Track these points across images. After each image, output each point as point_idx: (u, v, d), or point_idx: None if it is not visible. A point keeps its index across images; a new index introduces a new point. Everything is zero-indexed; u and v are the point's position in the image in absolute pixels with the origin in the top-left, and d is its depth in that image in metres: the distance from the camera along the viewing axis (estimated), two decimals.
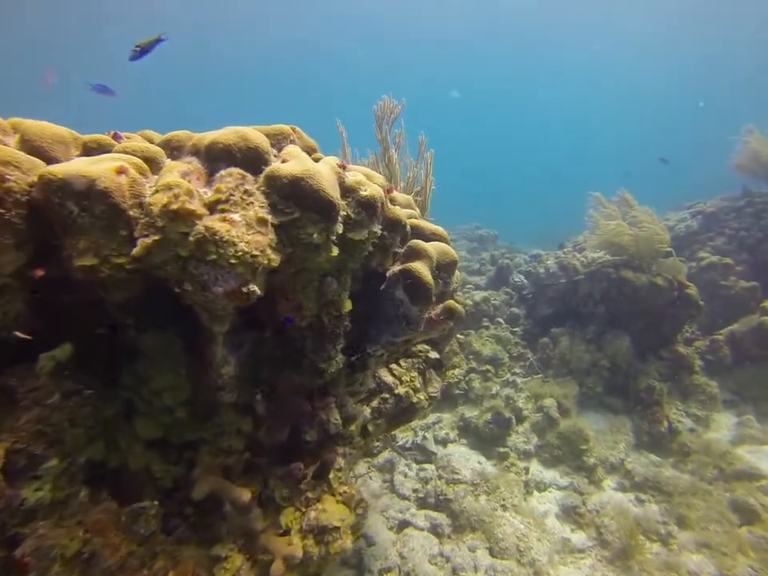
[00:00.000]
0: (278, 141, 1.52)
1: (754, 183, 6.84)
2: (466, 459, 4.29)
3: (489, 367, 5.16)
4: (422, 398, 2.88)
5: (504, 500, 3.80)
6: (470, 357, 5.30)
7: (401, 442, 4.42)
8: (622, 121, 48.65)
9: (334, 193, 1.34)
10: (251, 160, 1.30)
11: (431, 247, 1.83)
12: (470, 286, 7.20)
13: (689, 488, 3.82)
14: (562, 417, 4.63)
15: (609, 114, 49.84)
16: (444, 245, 1.89)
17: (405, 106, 3.01)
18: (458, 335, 5.57)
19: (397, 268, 1.77)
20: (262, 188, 1.26)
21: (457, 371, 5.07)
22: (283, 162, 1.34)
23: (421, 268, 1.72)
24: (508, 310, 6.13)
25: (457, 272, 2.11)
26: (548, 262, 5.89)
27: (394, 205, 2.12)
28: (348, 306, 1.66)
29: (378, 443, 3.89)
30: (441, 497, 3.80)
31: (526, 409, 4.76)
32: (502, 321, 5.93)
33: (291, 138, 1.57)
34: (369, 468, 4.33)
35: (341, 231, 1.41)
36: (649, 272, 5.05)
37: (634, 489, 4.04)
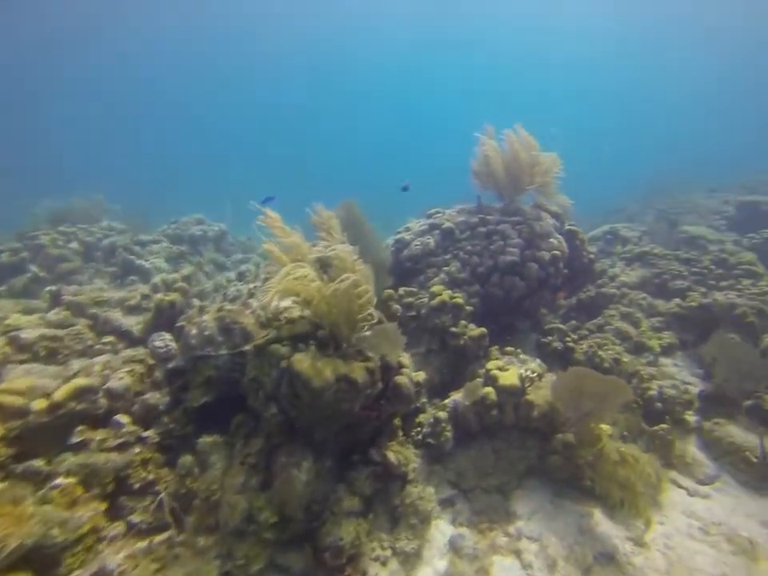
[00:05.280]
0: None
1: (486, 195, 5.93)
2: None
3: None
4: None
5: None
6: None
7: None
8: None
9: None
10: None
11: None
12: (110, 339, 4.29)
13: None
14: None
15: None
16: None
17: None
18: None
19: None
20: None
21: None
22: None
23: None
24: (147, 395, 3.51)
25: None
26: (204, 318, 3.46)
27: None
28: None
29: None
30: None
31: None
32: (122, 421, 3.27)
33: None
34: None
35: None
36: (346, 349, 3.14)
37: None
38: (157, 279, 5.14)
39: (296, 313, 3.43)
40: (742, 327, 5.25)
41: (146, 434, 3.31)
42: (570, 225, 6.05)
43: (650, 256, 6.92)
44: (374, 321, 3.08)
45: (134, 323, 4.58)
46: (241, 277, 5.39)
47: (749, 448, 4.01)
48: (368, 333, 3.21)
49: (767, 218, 9.56)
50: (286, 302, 3.52)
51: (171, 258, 6.59)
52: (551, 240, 5.16)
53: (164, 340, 3.67)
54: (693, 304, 5.61)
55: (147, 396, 3.44)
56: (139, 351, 4.01)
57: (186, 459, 3.14)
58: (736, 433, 4.17)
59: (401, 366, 3.34)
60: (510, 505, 3.77)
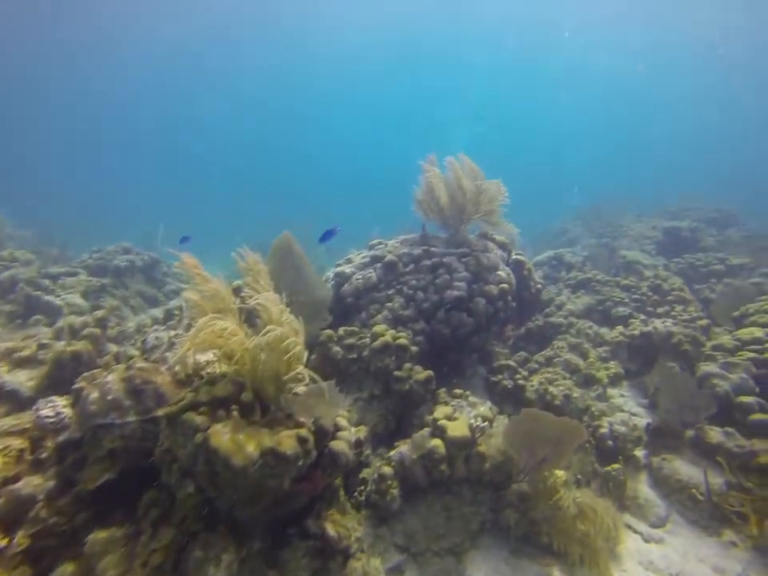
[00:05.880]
0: None
1: (431, 224, 5.76)
2: None
3: None
4: None
5: None
6: None
7: None
8: None
9: None
10: None
11: None
12: None
13: None
14: None
15: None
16: None
17: None
18: None
19: None
20: None
21: None
22: None
23: None
24: (21, 482, 2.85)
25: None
26: (108, 378, 2.90)
27: None
28: None
29: None
30: None
31: None
32: None
33: None
34: None
35: None
36: (274, 412, 2.72)
37: None
38: (62, 323, 4.40)
39: (219, 368, 2.97)
40: (679, 355, 5.36)
41: (4, 542, 2.61)
42: (516, 254, 6.01)
43: (593, 282, 7.06)
44: (305, 381, 2.68)
45: (24, 380, 3.86)
46: (168, 315, 4.79)
47: (695, 485, 3.97)
48: (301, 390, 2.82)
49: (688, 243, 10.27)
50: (208, 356, 3.05)
51: (90, 292, 5.78)
52: (499, 273, 5.04)
53: (54, 407, 3.04)
54: (635, 332, 5.70)
55: (20, 484, 2.77)
56: (23, 419, 3.33)
57: (65, 570, 2.51)
58: (682, 469, 4.14)
59: (338, 428, 2.95)
60: (464, 569, 3.43)
